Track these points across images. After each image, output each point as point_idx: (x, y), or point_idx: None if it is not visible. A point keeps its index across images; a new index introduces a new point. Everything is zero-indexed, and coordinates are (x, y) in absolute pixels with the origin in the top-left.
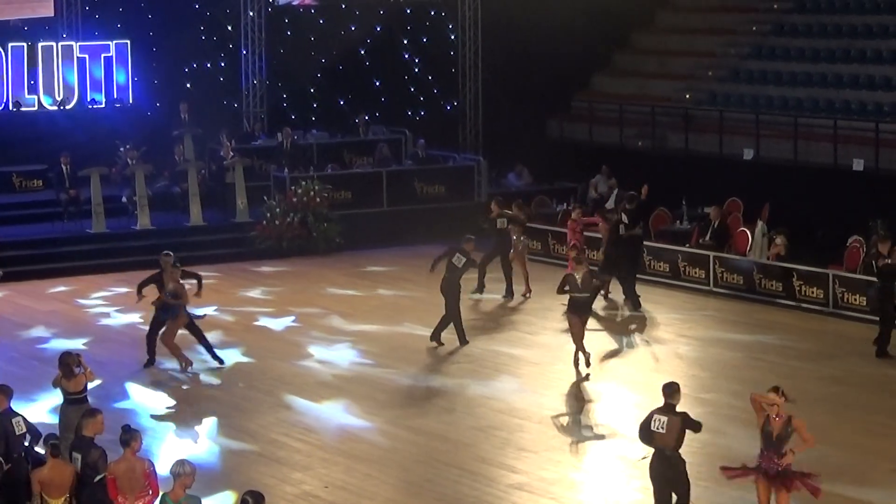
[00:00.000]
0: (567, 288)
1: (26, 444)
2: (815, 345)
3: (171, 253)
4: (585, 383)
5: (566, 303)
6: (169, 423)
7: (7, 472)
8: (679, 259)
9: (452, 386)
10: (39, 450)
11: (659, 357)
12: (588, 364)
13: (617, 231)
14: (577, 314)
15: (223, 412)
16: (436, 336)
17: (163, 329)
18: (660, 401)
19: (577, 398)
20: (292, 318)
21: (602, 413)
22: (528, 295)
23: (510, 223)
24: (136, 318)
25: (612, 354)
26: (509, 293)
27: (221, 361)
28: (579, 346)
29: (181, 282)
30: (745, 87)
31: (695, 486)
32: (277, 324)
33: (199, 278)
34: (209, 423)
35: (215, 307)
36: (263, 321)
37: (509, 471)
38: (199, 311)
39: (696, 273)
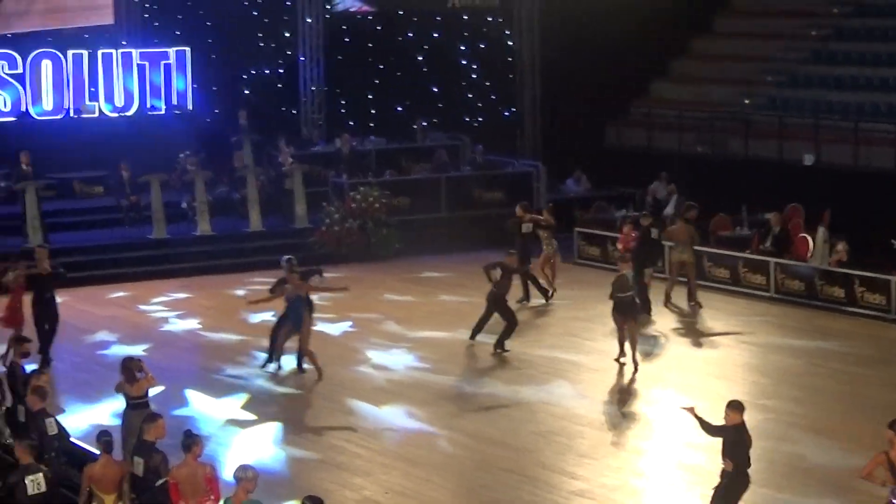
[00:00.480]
0: (614, 290)
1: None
2: (877, 351)
3: (291, 258)
4: (644, 390)
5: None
6: (230, 428)
7: None
8: (739, 265)
9: (511, 391)
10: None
11: (720, 363)
12: (635, 368)
13: (648, 234)
14: (622, 314)
15: (284, 417)
16: (499, 344)
17: (284, 331)
18: (719, 407)
19: (638, 404)
20: (350, 323)
21: (663, 419)
22: (552, 295)
23: (536, 228)
24: (195, 325)
25: (672, 360)
26: (526, 297)
27: (302, 369)
28: (622, 345)
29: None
30: (805, 92)
31: (754, 492)
32: (335, 329)
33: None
34: (270, 429)
35: (273, 312)
36: (321, 326)
37: (570, 477)
38: None
39: (756, 279)
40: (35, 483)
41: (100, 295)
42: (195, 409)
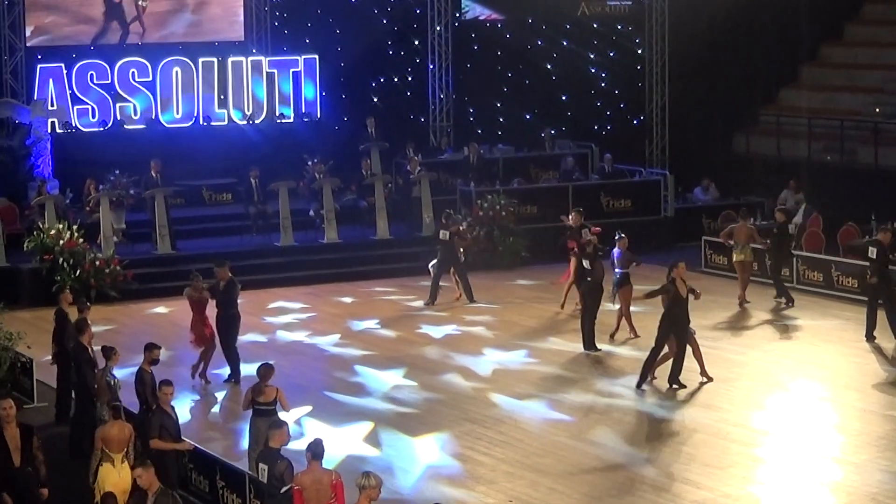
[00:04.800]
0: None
1: None
2: None
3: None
4: (769, 400)
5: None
6: (355, 436)
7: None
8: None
9: (635, 401)
10: None
11: (850, 374)
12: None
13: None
14: None
15: (408, 427)
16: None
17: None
18: (850, 417)
19: (763, 415)
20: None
21: (788, 429)
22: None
23: (452, 237)
24: (318, 335)
25: (799, 370)
26: (432, 299)
27: (677, 383)
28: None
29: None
30: None
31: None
32: (465, 337)
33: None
34: (393, 438)
35: (377, 321)
36: (453, 335)
37: (694, 486)
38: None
39: None
40: None
41: None
42: (318, 415)
